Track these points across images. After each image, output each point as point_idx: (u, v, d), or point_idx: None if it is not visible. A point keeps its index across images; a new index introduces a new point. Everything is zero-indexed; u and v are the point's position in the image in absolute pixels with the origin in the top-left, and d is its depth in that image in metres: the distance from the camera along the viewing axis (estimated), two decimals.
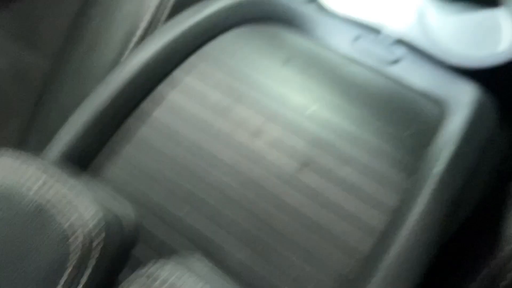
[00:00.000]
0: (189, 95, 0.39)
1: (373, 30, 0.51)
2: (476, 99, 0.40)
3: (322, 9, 0.58)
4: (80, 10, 0.55)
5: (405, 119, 0.40)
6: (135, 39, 0.46)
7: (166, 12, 0.46)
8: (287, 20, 0.48)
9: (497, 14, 0.54)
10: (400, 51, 0.48)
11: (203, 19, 0.42)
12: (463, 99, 0.41)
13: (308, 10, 0.49)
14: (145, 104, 0.39)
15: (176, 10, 0.47)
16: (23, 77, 0.58)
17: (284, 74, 0.41)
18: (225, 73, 0.40)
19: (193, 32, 0.41)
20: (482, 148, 0.37)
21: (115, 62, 0.45)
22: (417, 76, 0.46)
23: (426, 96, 0.44)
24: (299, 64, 0.43)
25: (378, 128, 0.39)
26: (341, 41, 0.48)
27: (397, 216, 0.33)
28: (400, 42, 0.50)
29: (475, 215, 0.44)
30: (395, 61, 0.47)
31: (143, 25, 0.45)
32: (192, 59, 0.41)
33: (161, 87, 0.39)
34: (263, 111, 0.38)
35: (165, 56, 0.39)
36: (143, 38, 0.45)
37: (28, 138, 0.52)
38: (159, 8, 0.46)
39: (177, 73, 0.40)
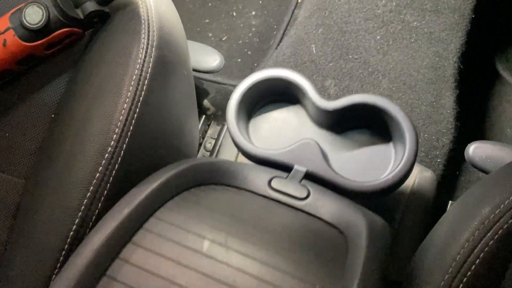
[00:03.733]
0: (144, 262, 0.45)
1: (285, 168, 0.59)
2: (369, 225, 0.49)
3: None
4: (47, 134, 0.62)
5: (323, 248, 0.48)
6: (110, 149, 0.52)
7: (132, 126, 0.54)
8: (212, 179, 0.56)
9: (386, 148, 0.65)
10: (308, 185, 0.57)
11: (140, 202, 0.49)
12: (361, 225, 0.49)
13: (228, 166, 0.57)
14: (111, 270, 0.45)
15: (141, 123, 0.54)
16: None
17: (220, 235, 0.48)
18: (171, 244, 0.47)
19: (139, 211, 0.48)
20: (382, 262, 0.46)
21: (93, 176, 0.52)
22: (324, 209, 0.54)
23: (333, 225, 0.53)
24: (230, 222, 0.50)
25: (307, 261, 0.46)
26: (258, 185, 0.56)
27: None
28: (308, 175, 0.59)
29: None
30: (305, 197, 0.55)
31: (115, 138, 0.52)
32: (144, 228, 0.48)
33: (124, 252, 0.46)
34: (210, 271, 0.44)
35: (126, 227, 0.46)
36: (115, 151, 0.52)
37: (13, 254, 0.55)
38: (126, 123, 0.53)
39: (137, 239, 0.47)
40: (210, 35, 1.29)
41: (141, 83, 0.54)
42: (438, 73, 0.97)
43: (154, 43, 0.57)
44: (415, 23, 1.00)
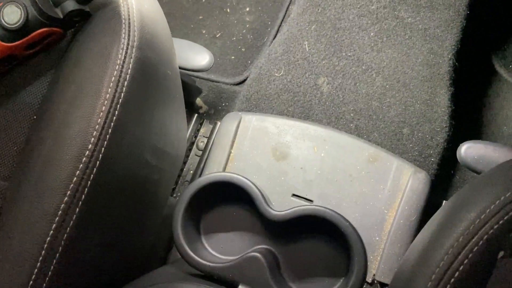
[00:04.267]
0: None
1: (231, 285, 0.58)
2: None
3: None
4: (28, 136, 0.61)
5: None
6: (87, 153, 0.51)
7: (111, 129, 0.52)
8: None
9: (340, 256, 0.61)
10: None
11: None
12: None
13: None
14: None
15: (120, 125, 0.53)
16: None
17: None
18: None
19: None
20: None
21: (70, 181, 0.50)
22: None
23: None
24: None
25: None
26: None
27: None
28: None
29: None
30: None
31: (93, 141, 0.51)
32: None
33: None
34: None
35: None
36: (93, 155, 0.51)
37: None
38: (104, 126, 0.52)
39: None
40: (204, 32, 1.27)
41: (120, 84, 0.53)
42: (432, 70, 0.95)
43: (135, 44, 0.56)
44: (410, 19, 0.98)
